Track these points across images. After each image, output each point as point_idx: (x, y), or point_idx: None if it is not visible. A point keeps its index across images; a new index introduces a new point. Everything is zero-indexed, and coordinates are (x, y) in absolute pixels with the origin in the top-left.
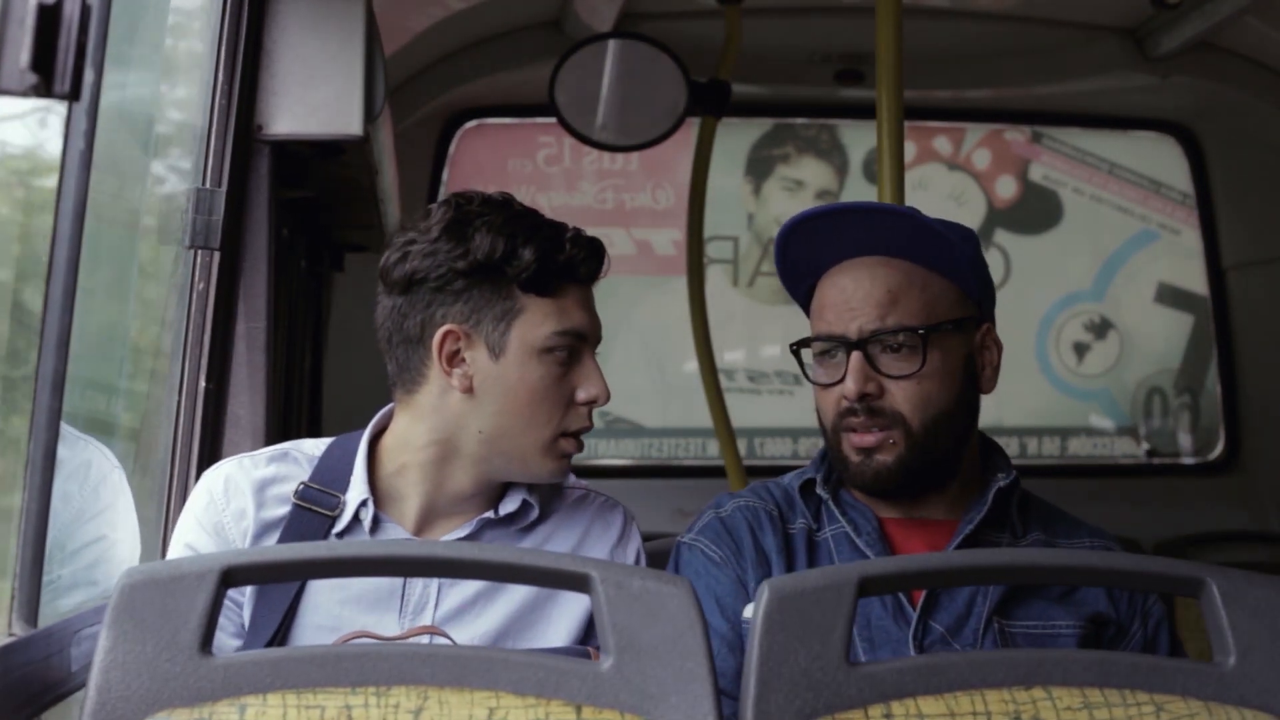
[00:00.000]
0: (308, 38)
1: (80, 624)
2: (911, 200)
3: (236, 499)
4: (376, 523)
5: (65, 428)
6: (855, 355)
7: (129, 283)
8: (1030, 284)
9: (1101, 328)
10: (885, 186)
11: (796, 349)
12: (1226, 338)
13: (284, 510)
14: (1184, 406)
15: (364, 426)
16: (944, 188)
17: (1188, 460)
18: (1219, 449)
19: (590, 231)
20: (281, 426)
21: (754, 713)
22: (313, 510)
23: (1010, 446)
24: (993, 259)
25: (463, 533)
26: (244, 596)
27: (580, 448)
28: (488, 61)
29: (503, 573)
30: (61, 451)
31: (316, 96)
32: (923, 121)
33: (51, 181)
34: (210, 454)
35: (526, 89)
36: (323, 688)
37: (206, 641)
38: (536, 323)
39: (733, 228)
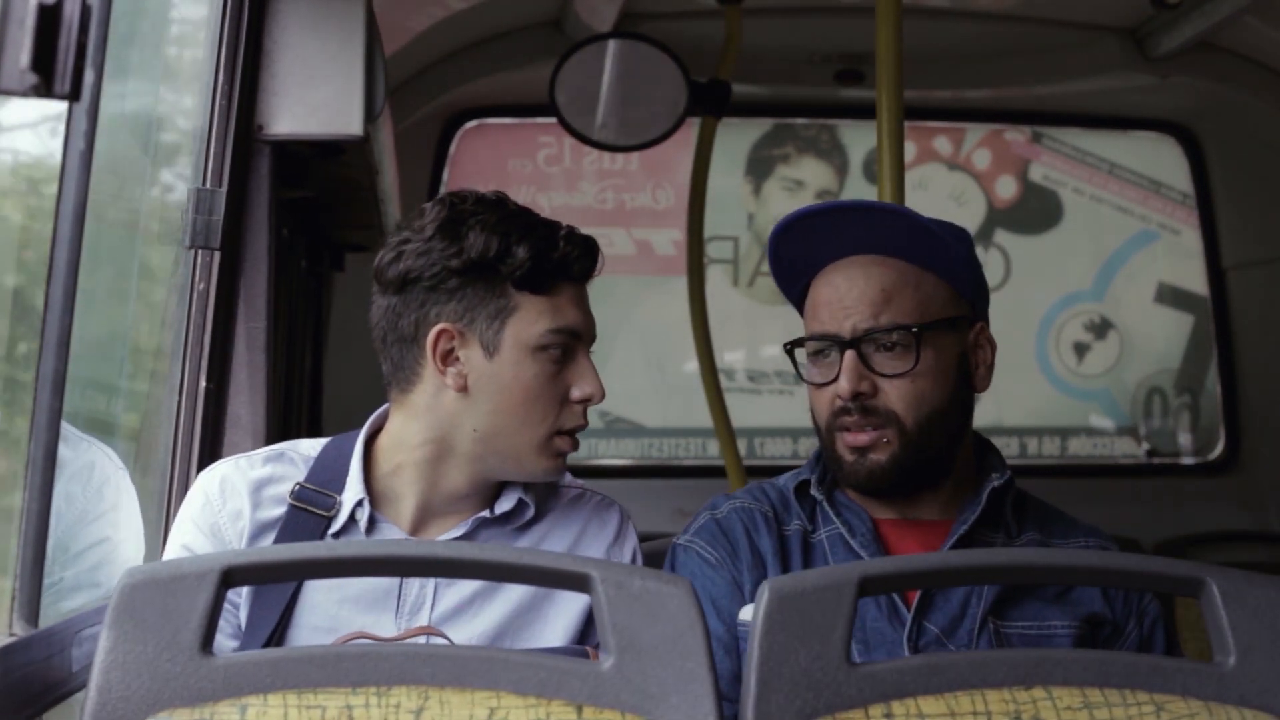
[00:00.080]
0: (308, 38)
1: (81, 624)
2: (911, 200)
3: (233, 500)
4: (372, 523)
5: (69, 429)
6: (849, 354)
7: (133, 284)
8: (1030, 284)
9: (1101, 328)
10: (885, 186)
11: (790, 348)
12: (1226, 338)
13: (280, 511)
14: (1184, 406)
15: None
16: (944, 188)
17: (1188, 460)
18: (1219, 449)
19: (590, 231)
20: (282, 426)
21: (754, 712)
22: (308, 511)
23: (1010, 446)
24: (993, 259)
25: (458, 532)
26: (240, 598)
27: (575, 446)
28: (488, 61)
29: (503, 572)
30: (65, 453)
31: (316, 96)
32: (923, 121)
33: None
34: (210, 454)
35: (527, 89)
36: (323, 688)
37: (207, 641)
38: (530, 321)
39: (733, 228)
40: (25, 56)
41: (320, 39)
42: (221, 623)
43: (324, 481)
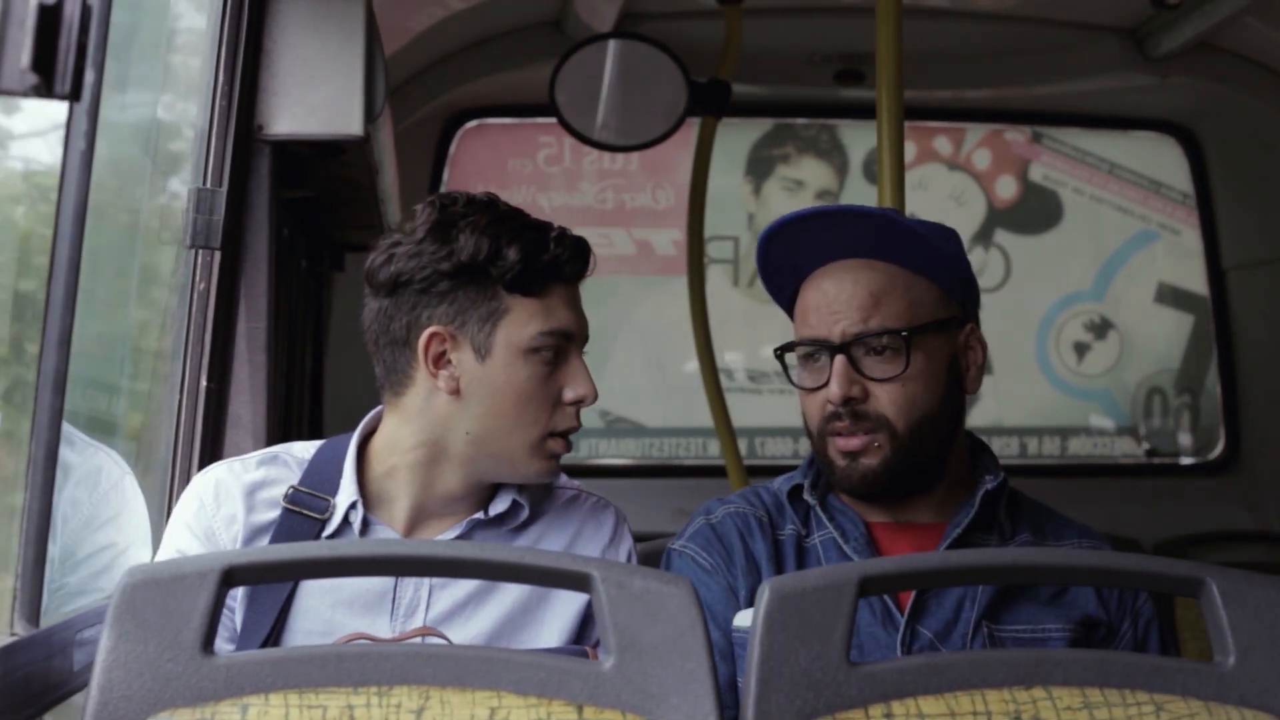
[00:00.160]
0: (308, 38)
1: (82, 624)
2: (911, 200)
3: (227, 504)
4: (366, 525)
5: (75, 433)
6: (839, 359)
7: (143, 287)
8: (1030, 284)
9: (1101, 328)
10: (885, 187)
11: (780, 353)
12: (1226, 338)
13: (274, 514)
14: (1184, 406)
15: None
16: (944, 188)
17: (1188, 460)
18: (1219, 449)
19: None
20: (283, 426)
21: (755, 712)
22: (302, 514)
23: (1010, 446)
24: (993, 259)
25: (453, 534)
26: (235, 601)
27: (569, 447)
28: (488, 61)
29: (504, 572)
30: (72, 457)
31: (317, 96)
32: (923, 121)
33: None
34: (211, 454)
35: (527, 89)
36: (325, 688)
37: (208, 641)
38: (522, 323)
39: (733, 228)
40: (25, 56)
41: (320, 39)
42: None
43: (318, 484)
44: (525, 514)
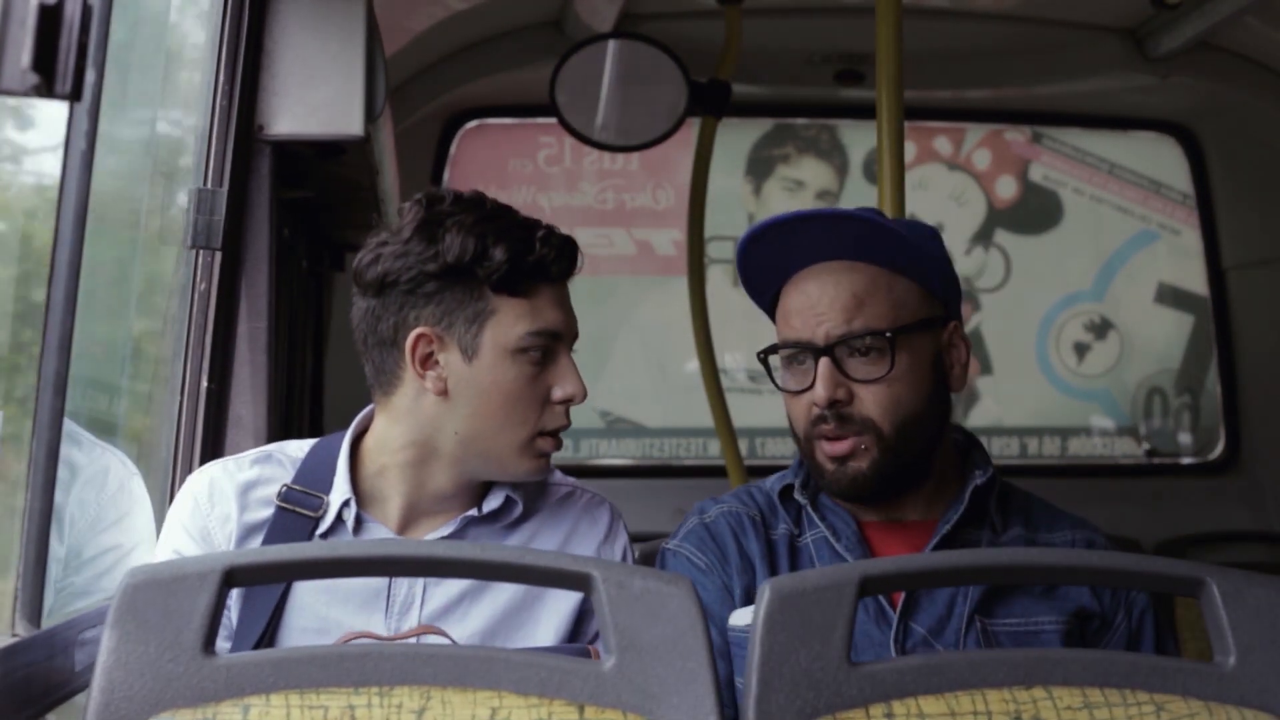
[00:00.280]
0: (308, 38)
1: (83, 624)
2: (912, 200)
3: (221, 504)
4: (359, 523)
5: (82, 434)
6: (823, 361)
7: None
8: (1030, 284)
9: (1102, 328)
10: (885, 187)
11: (764, 356)
12: (1226, 338)
13: (267, 513)
14: (1184, 406)
15: None
16: (944, 188)
17: (1188, 460)
18: (1219, 449)
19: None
20: (283, 426)
21: (755, 712)
22: (296, 512)
23: (1010, 446)
24: (993, 259)
25: (446, 531)
26: (230, 599)
27: (559, 446)
28: (488, 61)
29: (504, 572)
30: (79, 458)
31: (317, 96)
32: (923, 121)
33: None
34: (212, 454)
35: (527, 89)
36: (326, 688)
37: (209, 642)
38: (509, 323)
39: (733, 228)
40: (26, 56)
41: (320, 39)
42: None
43: (311, 483)
44: (519, 510)
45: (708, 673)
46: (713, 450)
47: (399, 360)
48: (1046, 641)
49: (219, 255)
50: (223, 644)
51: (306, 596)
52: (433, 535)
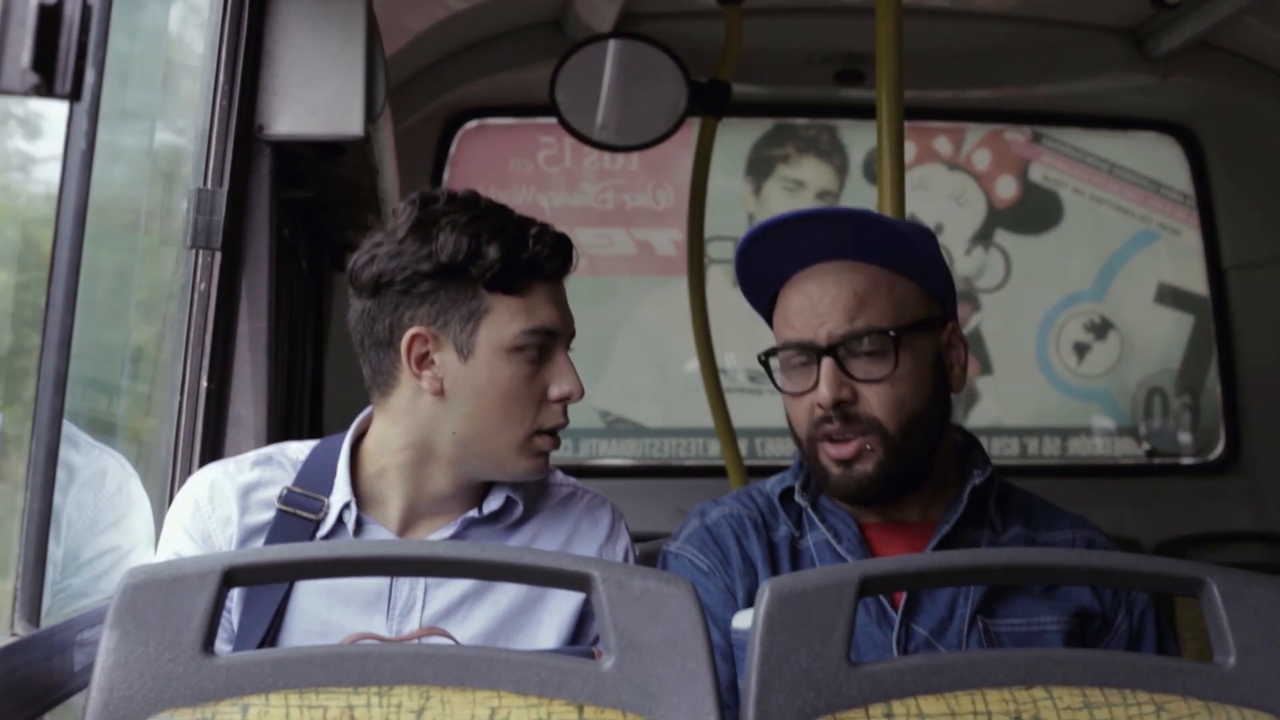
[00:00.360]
0: (308, 38)
1: (83, 624)
2: (912, 200)
3: (222, 506)
4: (360, 525)
5: (80, 435)
6: (826, 361)
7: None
8: (1030, 284)
9: (1102, 328)
10: (885, 187)
11: (765, 358)
12: (1226, 338)
13: (268, 515)
14: (1184, 406)
15: None
16: (944, 188)
17: (1188, 460)
18: (1219, 449)
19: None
20: (283, 427)
21: (755, 712)
22: (296, 514)
23: (1010, 446)
24: (993, 259)
25: (447, 532)
26: (231, 602)
27: (557, 444)
28: (488, 61)
29: (504, 572)
30: (77, 459)
31: (317, 96)
32: (923, 121)
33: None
34: (212, 455)
35: (527, 89)
36: (325, 688)
37: (209, 641)
38: (504, 322)
39: (733, 228)
40: (26, 56)
41: (320, 39)
42: None
43: (312, 485)
44: (519, 511)
45: (708, 673)
46: (713, 450)
47: (395, 361)
48: (1048, 642)
49: (219, 255)
50: (224, 647)
51: (308, 600)
52: (433, 537)
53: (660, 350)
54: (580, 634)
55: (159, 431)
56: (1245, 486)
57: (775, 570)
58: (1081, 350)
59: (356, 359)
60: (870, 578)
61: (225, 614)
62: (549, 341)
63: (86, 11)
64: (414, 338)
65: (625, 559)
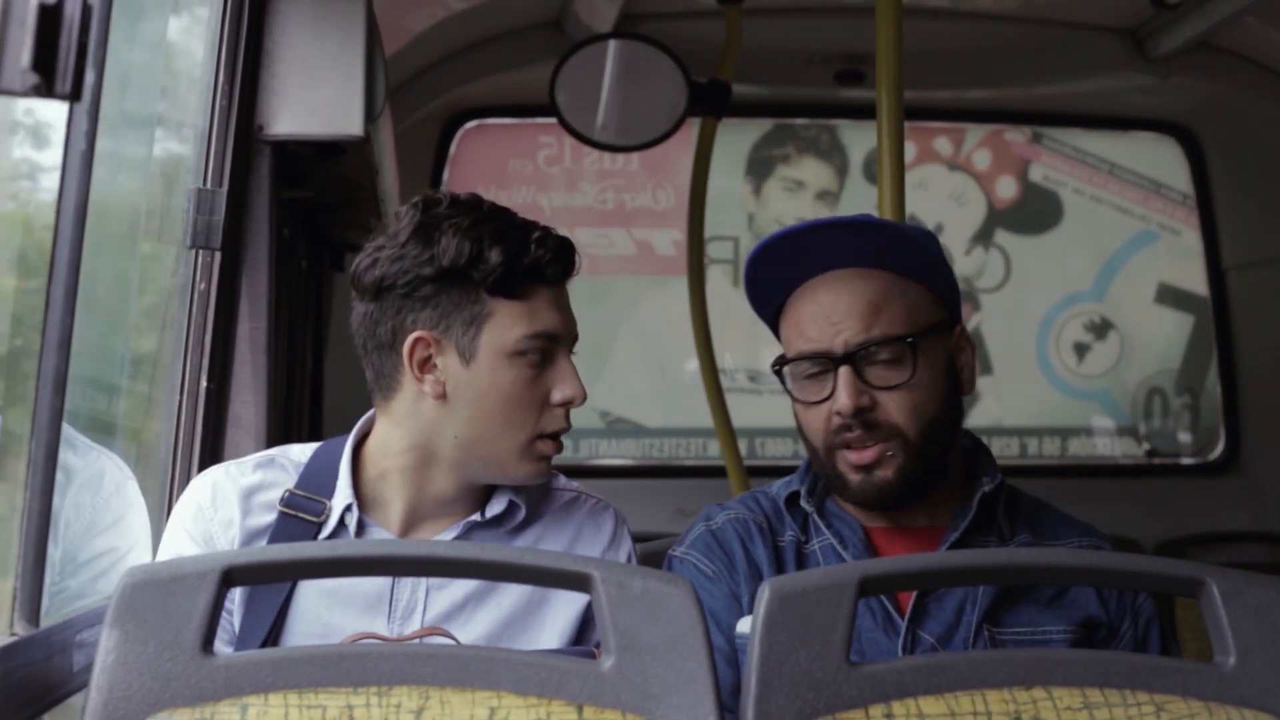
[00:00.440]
0: (308, 38)
1: (82, 624)
2: (911, 200)
3: (224, 508)
4: (362, 527)
5: (78, 437)
6: (844, 370)
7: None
8: (1030, 284)
9: (1102, 328)
10: (885, 187)
11: (779, 368)
12: (1226, 338)
13: (270, 518)
14: (1184, 406)
15: None
16: (944, 188)
17: (1188, 460)
18: (1219, 449)
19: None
20: (283, 427)
21: (755, 712)
22: (299, 517)
23: (1010, 446)
24: (993, 259)
25: (449, 535)
26: (234, 604)
27: (559, 449)
28: (488, 62)
29: (504, 572)
30: (75, 461)
31: (317, 96)
32: (923, 122)
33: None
34: (212, 455)
35: (527, 89)
36: (324, 688)
37: (208, 641)
38: (506, 326)
39: (733, 228)
40: (26, 56)
41: (320, 39)
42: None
43: (314, 487)
44: (522, 515)
45: (707, 673)
46: (712, 450)
47: (397, 364)
48: (1059, 649)
49: (219, 255)
50: (226, 649)
51: (309, 601)
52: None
53: (660, 350)
54: (583, 637)
55: (159, 431)
56: (1245, 486)
57: (782, 574)
58: (1081, 350)
59: (356, 359)
60: (870, 578)
61: (227, 616)
62: (551, 346)
63: (86, 11)
64: (416, 341)
65: (628, 564)
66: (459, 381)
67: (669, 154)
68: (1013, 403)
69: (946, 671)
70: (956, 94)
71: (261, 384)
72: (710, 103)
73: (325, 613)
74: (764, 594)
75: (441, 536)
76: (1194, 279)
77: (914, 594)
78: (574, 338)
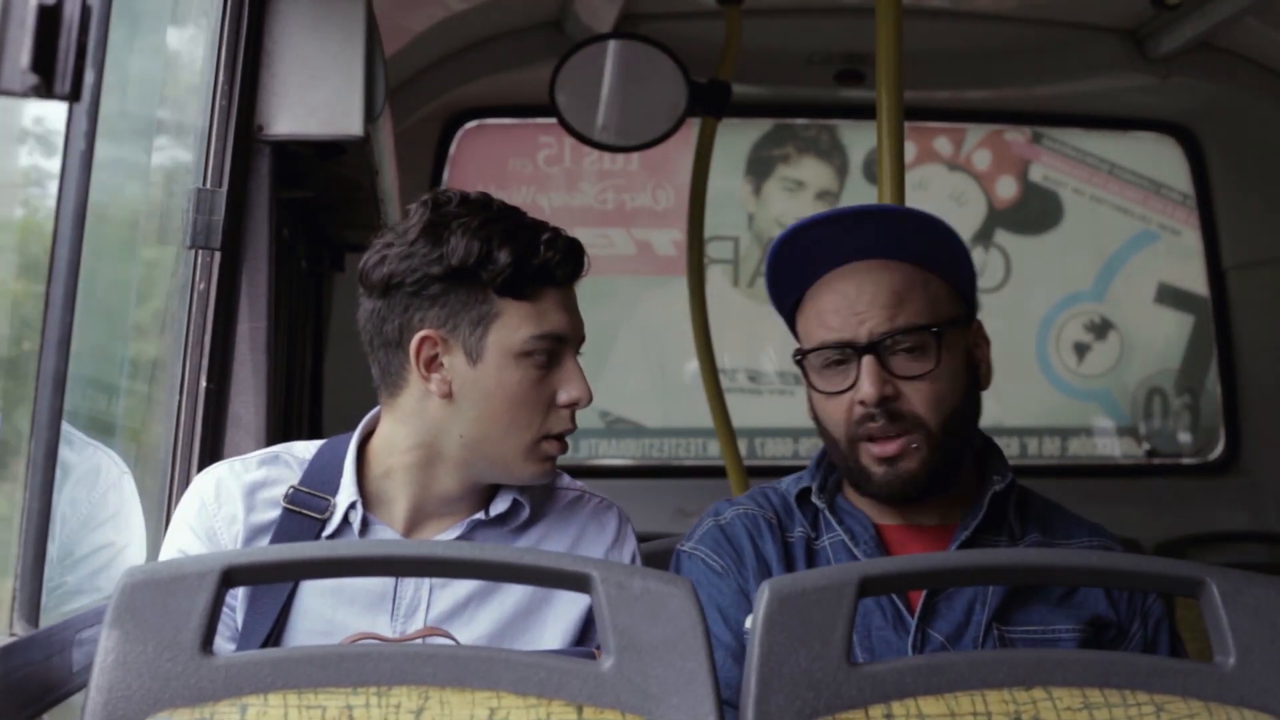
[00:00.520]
0: (308, 38)
1: (81, 624)
2: (912, 201)
3: (228, 504)
4: (365, 525)
5: (74, 433)
6: (868, 359)
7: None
8: (1030, 284)
9: (1102, 328)
10: (885, 187)
11: (800, 359)
12: (1226, 338)
13: (274, 514)
14: (1184, 406)
15: None
16: (944, 188)
17: (1188, 460)
18: (1219, 449)
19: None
20: (283, 426)
21: (755, 713)
22: (302, 514)
23: (1010, 446)
24: (993, 259)
25: (453, 534)
26: (236, 601)
27: (564, 449)
28: (488, 62)
29: (504, 572)
30: (70, 457)
31: (317, 96)
32: (923, 122)
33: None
34: (211, 454)
35: (527, 89)
36: (324, 688)
37: (207, 641)
38: (513, 327)
39: (733, 228)
40: (25, 56)
41: (320, 39)
42: (220, 626)
43: (318, 484)
44: (526, 514)
45: (707, 673)
46: (712, 450)
47: (404, 362)
48: (1063, 650)
49: (218, 255)
50: (229, 646)
51: (312, 600)
52: (439, 538)
53: (660, 350)
54: (586, 637)
55: (158, 431)
56: (1245, 486)
57: (791, 570)
58: (1081, 350)
59: (356, 359)
60: (870, 578)
61: (229, 613)
62: (558, 347)
63: (86, 12)
64: (423, 340)
65: (632, 563)
66: (465, 381)
67: (669, 154)
68: (1013, 403)
69: (946, 672)
70: (956, 94)
71: (261, 384)
72: (710, 103)
73: (328, 610)
74: (764, 594)
75: (445, 535)
76: (1194, 279)
77: (924, 592)
78: (581, 339)
